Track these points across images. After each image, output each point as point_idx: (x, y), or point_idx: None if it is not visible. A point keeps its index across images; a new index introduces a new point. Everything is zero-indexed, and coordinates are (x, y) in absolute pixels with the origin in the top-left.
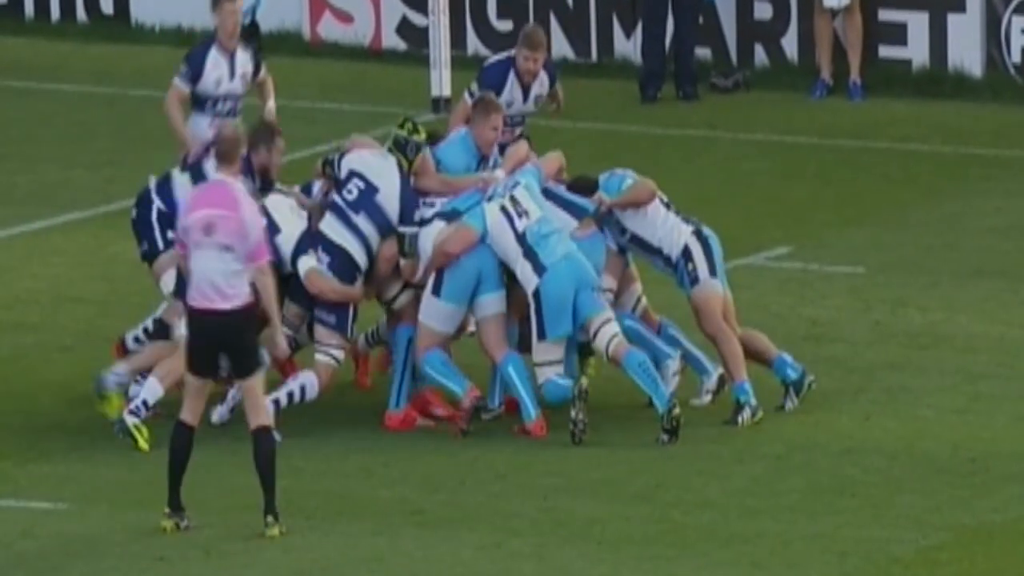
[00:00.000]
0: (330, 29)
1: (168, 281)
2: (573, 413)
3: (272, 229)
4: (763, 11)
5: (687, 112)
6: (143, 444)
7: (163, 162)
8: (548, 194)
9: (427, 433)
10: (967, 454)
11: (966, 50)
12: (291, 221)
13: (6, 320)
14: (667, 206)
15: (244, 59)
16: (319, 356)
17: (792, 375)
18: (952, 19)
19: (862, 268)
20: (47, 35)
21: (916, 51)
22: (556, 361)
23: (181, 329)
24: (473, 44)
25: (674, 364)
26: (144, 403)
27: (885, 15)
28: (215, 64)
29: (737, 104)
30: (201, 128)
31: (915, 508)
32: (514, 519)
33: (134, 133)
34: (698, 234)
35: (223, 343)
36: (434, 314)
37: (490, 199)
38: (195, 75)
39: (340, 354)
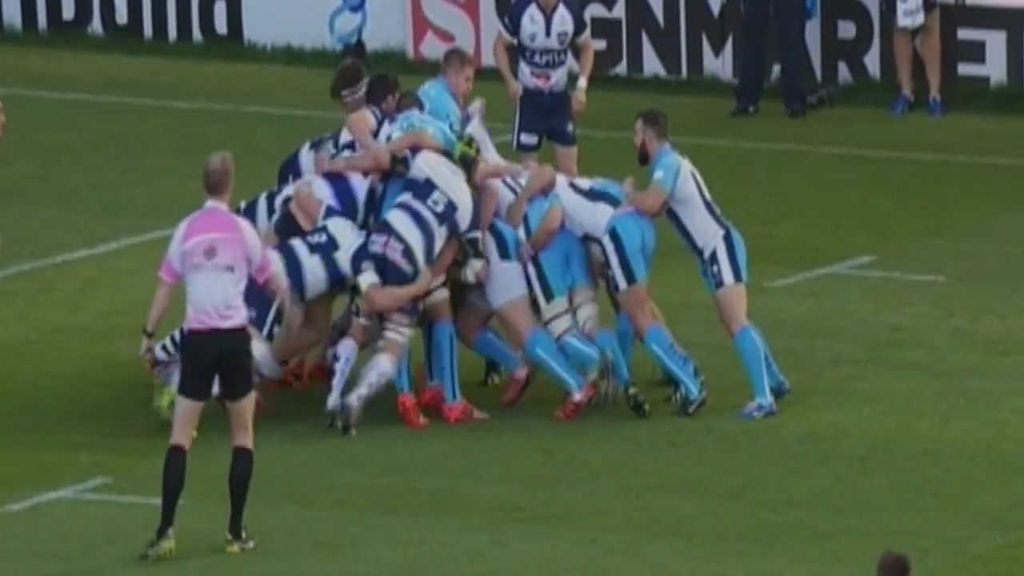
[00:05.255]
0: (432, 48)
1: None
2: (604, 387)
3: (330, 245)
4: (846, 30)
5: (774, 127)
6: None
7: (274, 176)
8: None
9: (525, 434)
10: None
11: None
12: (347, 237)
13: (126, 325)
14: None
15: (564, 19)
16: (391, 334)
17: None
18: None
19: (943, 277)
20: (165, 54)
21: (994, 68)
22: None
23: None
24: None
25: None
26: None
27: (964, 34)
28: (530, 22)
29: (822, 119)
30: (524, 75)
31: (994, 507)
32: (609, 516)
33: (247, 148)
34: (611, 233)
35: (222, 363)
36: (506, 282)
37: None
38: (514, 27)
39: (410, 332)
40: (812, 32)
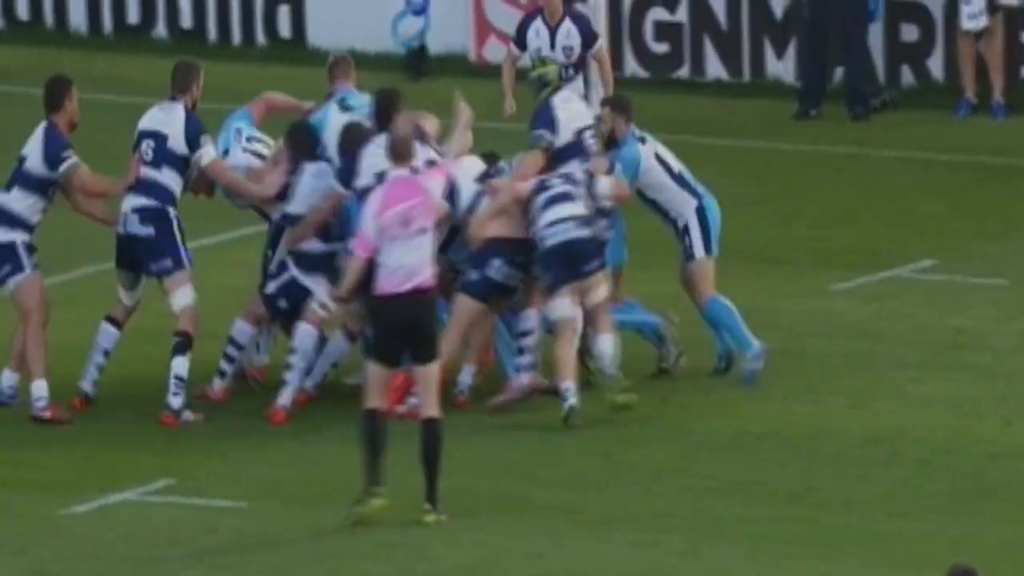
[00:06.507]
0: (494, 51)
1: (185, 295)
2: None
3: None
4: (910, 33)
5: (836, 130)
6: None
7: None
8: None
9: (584, 437)
10: None
11: None
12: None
13: None
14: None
15: (570, 33)
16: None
17: None
18: None
19: (1004, 280)
20: (229, 58)
21: None
22: None
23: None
24: (631, 66)
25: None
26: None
27: None
28: (535, 34)
29: (884, 122)
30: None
31: None
32: (668, 519)
33: None
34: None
35: (410, 326)
36: None
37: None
38: (521, 43)
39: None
40: (875, 35)
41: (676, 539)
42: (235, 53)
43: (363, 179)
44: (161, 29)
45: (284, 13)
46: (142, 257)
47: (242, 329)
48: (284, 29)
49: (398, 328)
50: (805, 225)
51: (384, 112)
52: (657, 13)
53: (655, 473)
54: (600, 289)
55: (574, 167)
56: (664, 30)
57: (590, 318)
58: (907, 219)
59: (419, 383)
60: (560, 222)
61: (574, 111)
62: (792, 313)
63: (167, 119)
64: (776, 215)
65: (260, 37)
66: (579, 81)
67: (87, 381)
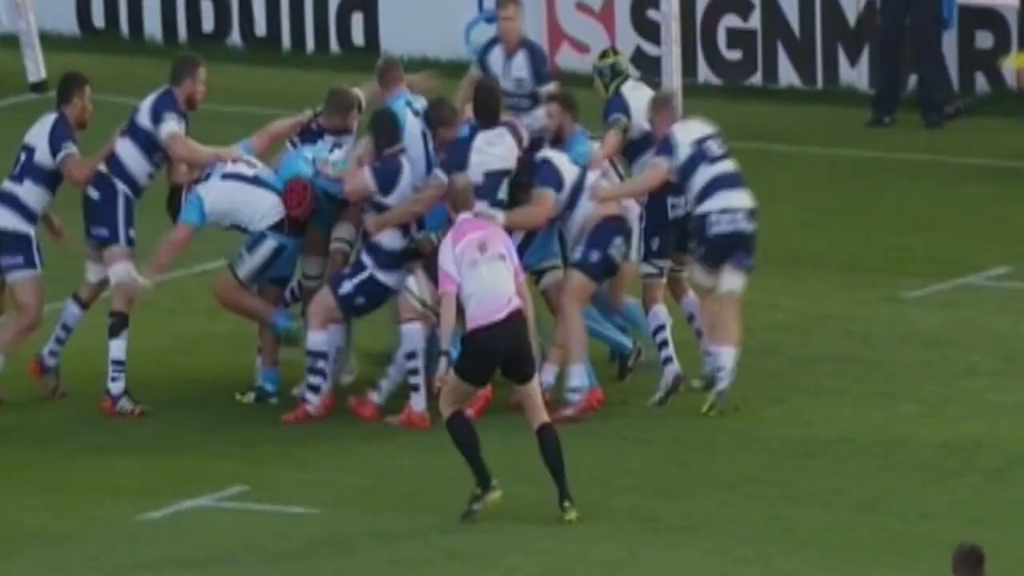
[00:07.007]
0: (567, 59)
1: (122, 270)
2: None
3: None
4: (984, 40)
5: (910, 137)
6: None
7: None
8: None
9: (657, 445)
10: None
11: None
12: None
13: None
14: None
15: (521, 65)
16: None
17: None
18: None
19: None
20: (303, 66)
21: None
22: None
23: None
24: (704, 73)
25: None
26: None
27: None
28: (494, 60)
29: (958, 130)
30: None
31: None
32: (742, 526)
33: None
34: None
35: (508, 353)
36: None
37: None
38: (482, 63)
39: None
40: (949, 42)
41: (749, 547)
42: (308, 61)
43: (473, 175)
44: (235, 37)
45: (357, 21)
46: (88, 221)
47: (317, 339)
48: (357, 36)
49: (497, 354)
50: (878, 232)
51: (489, 108)
52: (730, 20)
53: (728, 481)
54: (738, 280)
55: (709, 128)
56: (737, 37)
57: (720, 312)
58: (981, 226)
59: (525, 400)
60: (733, 211)
61: (644, 97)
62: (865, 320)
63: (149, 97)
64: (849, 222)
65: (333, 45)
66: (537, 112)
67: (46, 351)
